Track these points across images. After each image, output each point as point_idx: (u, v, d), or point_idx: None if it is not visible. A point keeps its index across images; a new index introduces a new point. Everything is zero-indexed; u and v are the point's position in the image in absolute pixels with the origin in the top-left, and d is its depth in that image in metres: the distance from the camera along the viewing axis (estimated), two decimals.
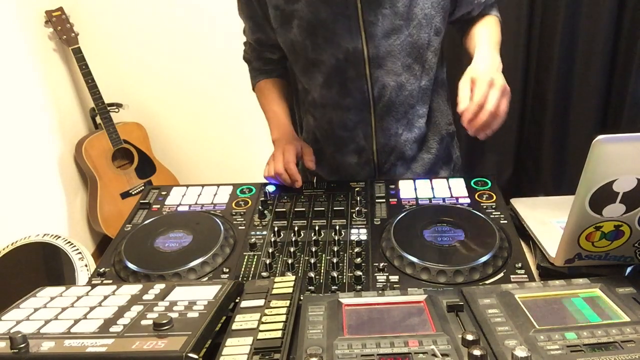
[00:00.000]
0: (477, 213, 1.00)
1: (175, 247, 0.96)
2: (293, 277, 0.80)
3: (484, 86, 0.94)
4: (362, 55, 1.10)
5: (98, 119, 2.57)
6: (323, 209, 1.04)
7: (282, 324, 0.67)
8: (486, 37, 1.14)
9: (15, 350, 0.60)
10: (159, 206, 1.11)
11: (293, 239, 0.97)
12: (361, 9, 1.05)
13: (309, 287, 0.85)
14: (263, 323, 0.68)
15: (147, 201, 1.13)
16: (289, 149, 1.15)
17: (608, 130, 1.11)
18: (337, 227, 0.98)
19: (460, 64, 1.11)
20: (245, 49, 1.31)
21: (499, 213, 1.01)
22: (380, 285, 0.84)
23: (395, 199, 1.07)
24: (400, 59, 1.11)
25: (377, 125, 1.20)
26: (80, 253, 1.98)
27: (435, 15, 1.09)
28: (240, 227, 1.02)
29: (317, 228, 0.98)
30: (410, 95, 1.16)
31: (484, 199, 1.05)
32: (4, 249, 1.97)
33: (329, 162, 1.31)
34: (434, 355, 0.60)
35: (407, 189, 1.10)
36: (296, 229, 0.99)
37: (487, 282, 0.84)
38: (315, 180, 1.14)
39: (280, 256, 0.93)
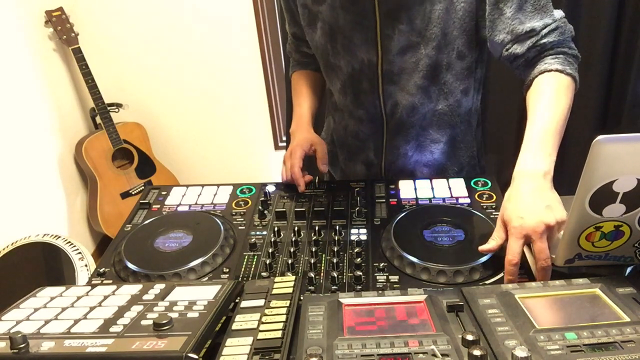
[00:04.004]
0: (477, 213, 1.00)
1: (175, 247, 0.96)
2: (293, 277, 0.80)
3: (514, 243, 0.80)
4: (376, 69, 1.07)
5: (98, 119, 2.57)
6: (323, 209, 1.04)
7: (282, 324, 0.67)
8: (540, 122, 0.93)
9: (15, 350, 0.60)
10: (159, 206, 1.11)
11: (293, 239, 0.96)
12: (379, 21, 1.02)
13: (309, 287, 0.85)
14: (263, 323, 0.68)
15: (147, 201, 1.13)
16: (296, 151, 1.13)
17: (608, 130, 1.11)
18: (337, 227, 0.98)
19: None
20: (288, 42, 1.31)
21: (499, 213, 1.00)
22: (380, 285, 0.84)
23: (395, 199, 1.07)
24: (414, 77, 1.07)
25: (387, 142, 1.18)
26: (80, 253, 1.98)
27: (458, 37, 1.02)
28: (240, 227, 1.02)
29: (317, 228, 0.98)
30: (424, 117, 1.13)
31: (484, 199, 1.05)
32: (4, 249, 1.97)
33: (340, 166, 1.30)
34: (434, 355, 0.60)
35: (407, 189, 1.10)
36: (296, 229, 0.99)
37: (487, 282, 0.84)
38: (317, 180, 1.14)
39: (280, 256, 0.93)
